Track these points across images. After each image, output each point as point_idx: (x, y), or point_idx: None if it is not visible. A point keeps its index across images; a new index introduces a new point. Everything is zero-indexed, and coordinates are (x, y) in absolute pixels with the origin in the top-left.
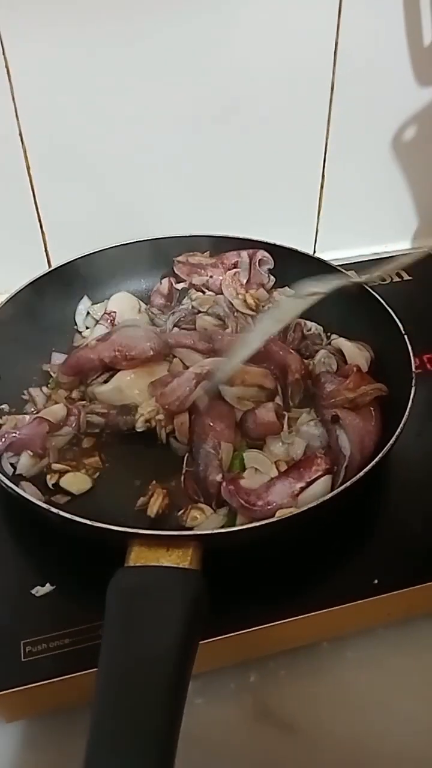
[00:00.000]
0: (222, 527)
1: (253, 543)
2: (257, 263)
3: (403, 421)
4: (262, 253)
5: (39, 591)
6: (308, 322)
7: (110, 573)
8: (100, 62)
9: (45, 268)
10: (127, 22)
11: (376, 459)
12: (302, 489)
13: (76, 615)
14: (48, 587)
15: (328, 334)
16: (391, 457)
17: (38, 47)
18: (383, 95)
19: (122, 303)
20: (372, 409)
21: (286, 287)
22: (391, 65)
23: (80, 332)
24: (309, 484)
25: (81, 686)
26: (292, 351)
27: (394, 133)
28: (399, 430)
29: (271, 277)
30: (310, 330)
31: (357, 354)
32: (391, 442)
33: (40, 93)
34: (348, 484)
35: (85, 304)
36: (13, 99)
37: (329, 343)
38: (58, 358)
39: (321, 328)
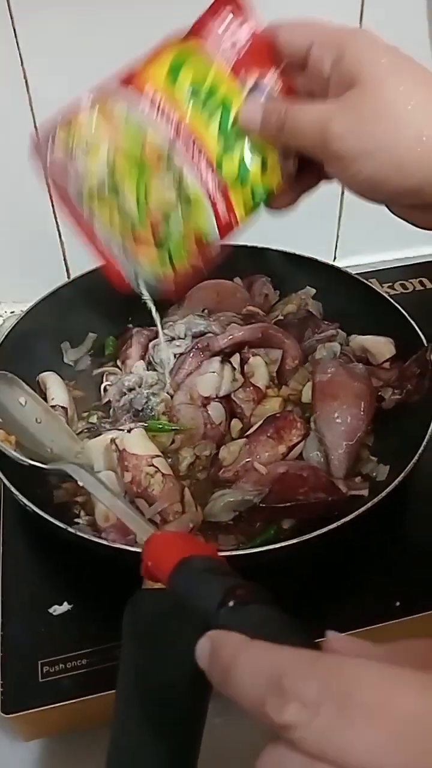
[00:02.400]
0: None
1: (273, 564)
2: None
3: (427, 436)
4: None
5: (57, 610)
6: (324, 323)
7: (129, 592)
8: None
9: (64, 279)
10: (148, 25)
11: (400, 477)
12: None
13: (94, 635)
14: (66, 606)
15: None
16: (413, 474)
17: (57, 52)
18: None
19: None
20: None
21: (308, 287)
22: None
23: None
24: (292, 447)
25: (99, 707)
26: (291, 337)
27: None
28: (423, 444)
29: (274, 291)
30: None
31: (381, 344)
32: (415, 458)
33: (58, 101)
34: (372, 503)
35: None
36: (32, 113)
37: (348, 344)
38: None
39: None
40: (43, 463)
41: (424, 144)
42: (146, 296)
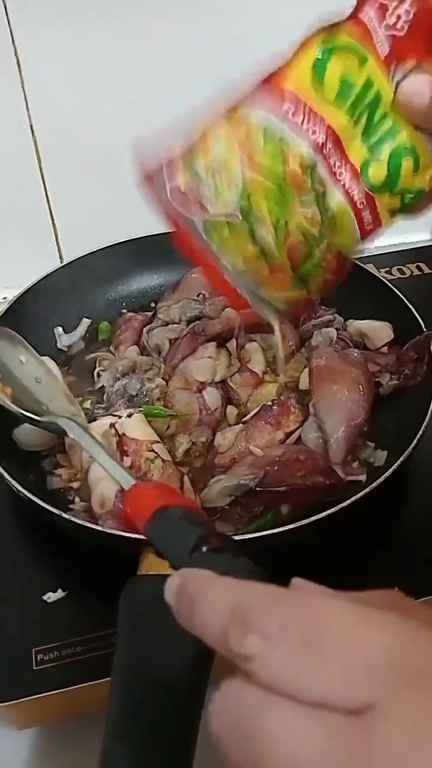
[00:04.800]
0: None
1: (269, 549)
2: None
3: (425, 421)
4: None
5: (51, 597)
6: (322, 308)
7: (124, 579)
8: (112, 57)
9: (57, 263)
10: (144, 10)
11: (398, 463)
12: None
13: (89, 622)
14: (60, 593)
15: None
16: (411, 459)
17: (50, 40)
18: None
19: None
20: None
21: None
22: None
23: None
24: (289, 434)
25: (93, 695)
26: (287, 322)
27: None
28: (421, 430)
29: None
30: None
31: (378, 328)
32: (413, 444)
33: (51, 87)
34: (370, 488)
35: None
36: (24, 94)
37: (345, 329)
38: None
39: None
40: (37, 415)
41: None
42: (272, 320)
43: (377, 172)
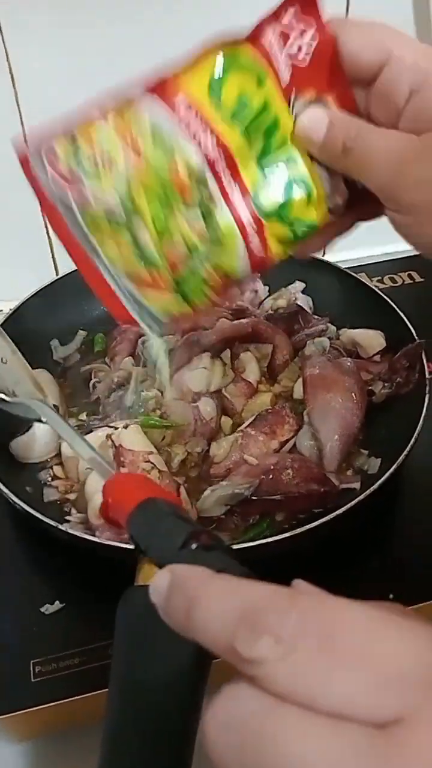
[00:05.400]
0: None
1: (266, 558)
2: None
3: (417, 429)
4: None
5: (49, 609)
6: (315, 317)
7: (121, 590)
8: (107, 65)
9: (53, 276)
10: (138, 23)
11: (391, 470)
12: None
13: (87, 634)
14: (57, 605)
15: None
16: (404, 467)
17: (43, 47)
18: None
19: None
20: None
21: (297, 281)
22: None
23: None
24: (284, 443)
25: (92, 707)
26: (281, 332)
27: None
28: (414, 437)
29: (264, 286)
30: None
31: (371, 337)
32: (406, 451)
33: (45, 97)
34: (364, 495)
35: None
36: (18, 103)
37: (338, 338)
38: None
39: (330, 324)
40: (6, 393)
41: None
42: (152, 335)
43: (269, 199)
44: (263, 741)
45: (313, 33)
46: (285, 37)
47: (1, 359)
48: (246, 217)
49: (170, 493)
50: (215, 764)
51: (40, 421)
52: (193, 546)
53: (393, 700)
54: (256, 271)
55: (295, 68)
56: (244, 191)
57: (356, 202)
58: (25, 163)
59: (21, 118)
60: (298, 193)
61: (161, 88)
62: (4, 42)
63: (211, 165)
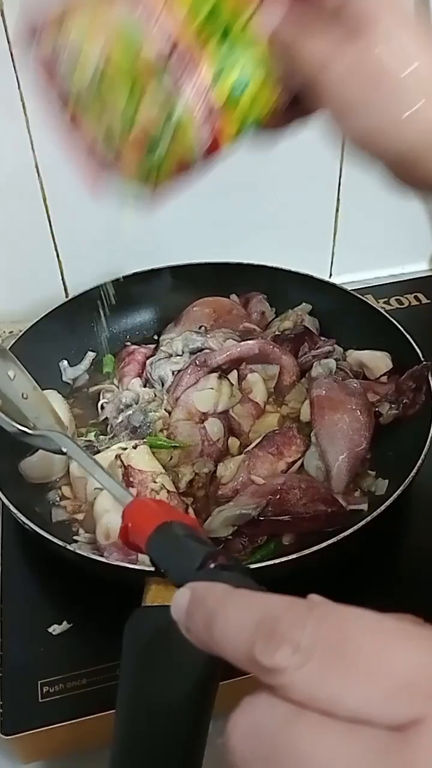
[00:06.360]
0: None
1: (271, 580)
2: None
3: (425, 450)
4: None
5: (56, 629)
6: (321, 339)
7: (129, 611)
8: None
9: (62, 298)
10: None
11: (398, 491)
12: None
13: (94, 654)
14: (65, 625)
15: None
16: (411, 488)
17: None
18: None
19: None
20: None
21: (304, 303)
22: None
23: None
24: (291, 464)
25: (99, 728)
26: (288, 353)
27: None
28: (421, 459)
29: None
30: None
31: (377, 358)
32: (413, 472)
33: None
34: (371, 517)
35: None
36: (29, 130)
37: (345, 359)
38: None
39: (337, 345)
40: (28, 427)
41: (420, 111)
42: (123, 208)
43: (224, 84)
44: (285, 747)
45: None
46: None
47: (23, 394)
48: (202, 104)
49: (187, 516)
50: None
51: (61, 452)
52: (211, 566)
53: (409, 704)
54: (209, 156)
55: None
56: (202, 79)
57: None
58: (22, 38)
59: (35, 160)
60: (252, 83)
61: None
62: (18, 82)
63: (171, 55)
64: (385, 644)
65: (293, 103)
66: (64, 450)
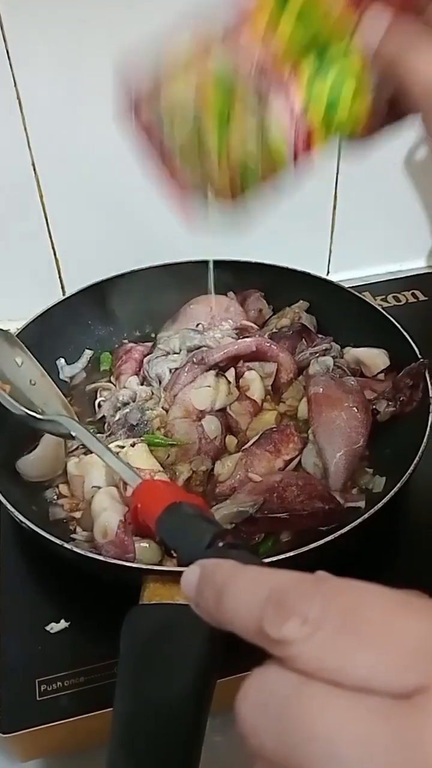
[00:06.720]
0: None
1: None
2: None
3: (422, 447)
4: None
5: (54, 627)
6: (319, 336)
7: (126, 609)
8: (112, 90)
9: (59, 296)
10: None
11: (395, 489)
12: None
13: (92, 652)
14: (63, 624)
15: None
16: (409, 485)
17: (50, 74)
18: None
19: None
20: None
21: (301, 301)
22: None
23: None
24: (288, 462)
25: (97, 725)
26: (285, 351)
27: (406, 152)
28: (418, 456)
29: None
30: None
31: (375, 355)
32: (410, 470)
33: (51, 119)
34: (368, 514)
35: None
36: (25, 128)
37: (342, 357)
38: None
39: (334, 343)
40: (36, 412)
41: None
42: (214, 228)
43: (318, 95)
44: (293, 717)
45: None
46: None
47: (30, 381)
48: (297, 125)
49: (196, 497)
50: (249, 743)
51: (70, 436)
52: (220, 545)
53: (415, 672)
54: (299, 163)
55: None
56: (296, 101)
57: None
58: (120, 111)
59: (32, 157)
60: (345, 93)
61: (226, 31)
62: (15, 82)
63: (263, 80)
64: (391, 615)
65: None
66: (73, 434)
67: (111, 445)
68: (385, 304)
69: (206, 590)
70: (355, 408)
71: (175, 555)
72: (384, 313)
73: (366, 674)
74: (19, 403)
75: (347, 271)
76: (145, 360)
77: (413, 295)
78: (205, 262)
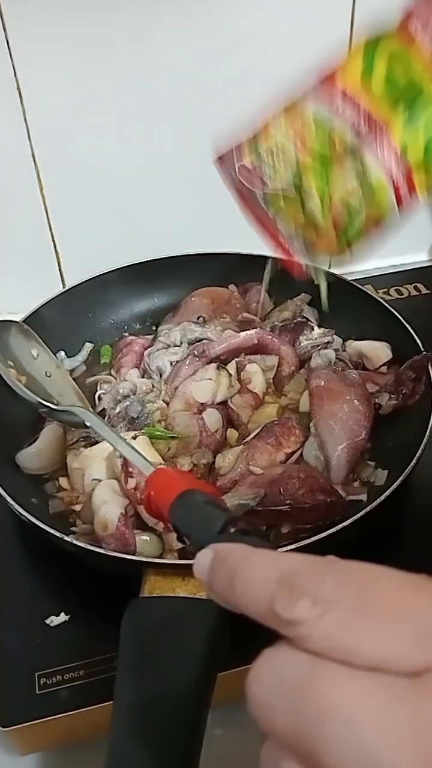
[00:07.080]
0: None
1: None
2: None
3: (424, 440)
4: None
5: (54, 621)
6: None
7: (127, 602)
8: (112, 81)
9: (59, 289)
10: (142, 39)
11: (398, 482)
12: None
13: (92, 646)
14: (63, 617)
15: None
16: (411, 479)
17: (50, 66)
18: None
19: None
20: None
21: (303, 293)
22: None
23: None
24: (290, 455)
25: (97, 719)
26: (287, 344)
27: None
28: (420, 449)
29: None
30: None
31: (377, 348)
32: (412, 463)
33: (52, 114)
34: (370, 507)
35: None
36: (26, 120)
37: (344, 350)
38: None
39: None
40: (52, 403)
41: None
42: (321, 284)
43: (415, 147)
44: (308, 695)
45: None
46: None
47: (46, 372)
48: (395, 169)
49: (208, 485)
50: (259, 722)
51: (84, 426)
52: (232, 530)
53: (425, 651)
54: (404, 213)
55: None
56: (392, 145)
57: None
58: (220, 161)
59: (32, 150)
60: None
61: (323, 83)
62: (15, 74)
63: (362, 136)
64: (401, 595)
65: None
66: (88, 424)
67: None
68: (388, 297)
69: (219, 572)
70: (357, 401)
71: (187, 542)
72: (386, 305)
73: (377, 654)
74: (35, 394)
75: (349, 264)
76: (146, 353)
77: (416, 288)
78: (205, 255)
